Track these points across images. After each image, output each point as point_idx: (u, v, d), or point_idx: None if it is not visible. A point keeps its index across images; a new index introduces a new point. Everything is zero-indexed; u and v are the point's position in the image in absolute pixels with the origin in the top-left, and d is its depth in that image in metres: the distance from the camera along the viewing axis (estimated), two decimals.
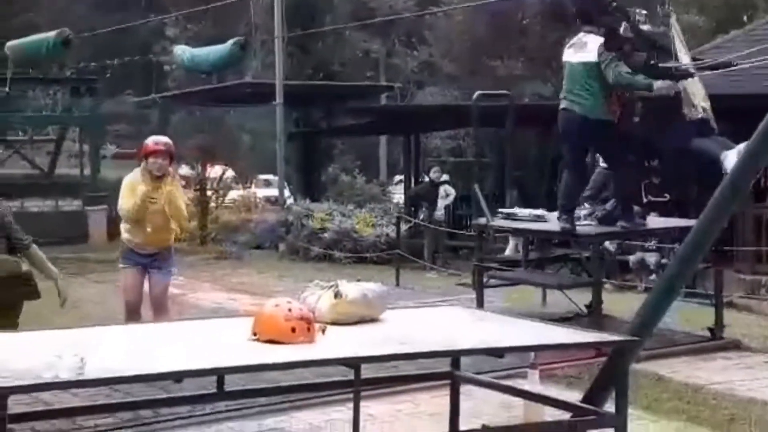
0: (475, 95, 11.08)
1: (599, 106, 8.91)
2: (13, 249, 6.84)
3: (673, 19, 9.23)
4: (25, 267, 6.85)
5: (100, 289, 14.22)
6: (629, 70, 8.73)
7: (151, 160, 7.90)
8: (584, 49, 8.95)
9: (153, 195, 7.91)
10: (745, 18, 25.40)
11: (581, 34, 9.11)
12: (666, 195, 16.12)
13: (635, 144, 9.50)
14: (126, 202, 7.99)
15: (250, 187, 29.77)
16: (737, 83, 15.25)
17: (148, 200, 7.88)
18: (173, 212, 7.98)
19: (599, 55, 8.79)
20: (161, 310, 8.07)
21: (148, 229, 7.96)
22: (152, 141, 8.06)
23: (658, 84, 8.81)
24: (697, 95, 9.17)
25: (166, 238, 8.15)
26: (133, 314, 8.03)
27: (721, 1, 25.89)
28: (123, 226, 8.21)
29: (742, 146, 8.79)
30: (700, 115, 9.15)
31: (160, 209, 7.90)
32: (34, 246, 6.98)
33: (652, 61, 9.04)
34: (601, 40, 8.85)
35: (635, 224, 9.33)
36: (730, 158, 8.74)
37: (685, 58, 9.17)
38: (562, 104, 9.14)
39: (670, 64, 9.09)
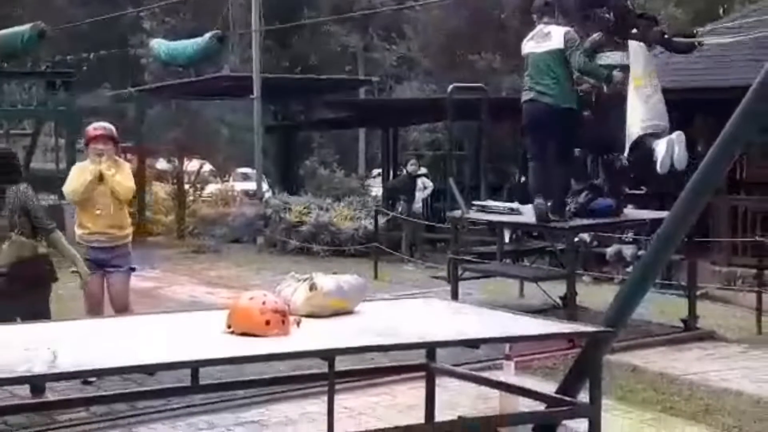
0: (449, 88, 11.08)
1: (566, 94, 9.10)
2: (37, 232, 7.00)
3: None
4: (43, 250, 7.02)
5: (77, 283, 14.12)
6: (589, 60, 9.03)
7: (92, 145, 7.92)
8: (548, 38, 9.14)
9: (99, 178, 7.83)
10: (721, 11, 25.56)
11: (541, 26, 9.30)
12: (642, 188, 16.20)
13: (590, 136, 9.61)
14: (72, 182, 7.91)
15: (228, 181, 29.71)
16: (722, 75, 15.35)
17: (94, 181, 7.79)
18: (115, 185, 7.82)
19: (566, 41, 8.97)
20: (123, 310, 7.82)
21: (97, 212, 7.81)
22: (92, 127, 8.09)
23: (615, 73, 9.11)
24: (633, 124, 9.24)
25: (120, 227, 7.97)
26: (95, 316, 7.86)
27: None
28: (76, 224, 8.10)
29: (674, 135, 8.95)
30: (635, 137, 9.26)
31: (106, 192, 7.80)
32: (57, 231, 7.11)
33: (666, 35, 9.40)
34: (564, 29, 9.05)
35: (565, 219, 9.29)
36: (660, 147, 8.89)
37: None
38: (528, 96, 9.22)
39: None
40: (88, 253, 7.78)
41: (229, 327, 4.80)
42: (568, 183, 9.43)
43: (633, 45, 9.23)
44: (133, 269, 8.18)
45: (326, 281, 5.30)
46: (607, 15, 9.30)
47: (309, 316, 5.11)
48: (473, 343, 5.26)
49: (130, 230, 8.15)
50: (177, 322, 5.29)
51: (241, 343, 4.60)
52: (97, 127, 8.05)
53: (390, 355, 6.93)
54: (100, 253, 7.87)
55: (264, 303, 4.80)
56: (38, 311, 6.66)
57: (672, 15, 24.79)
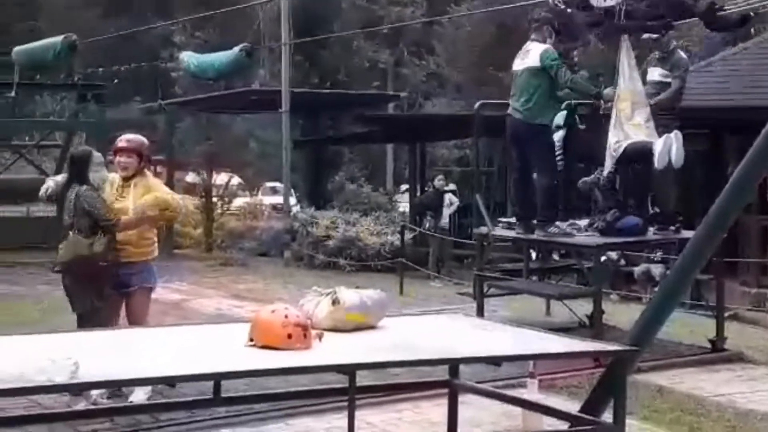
0: (477, 105, 11.07)
1: (540, 111, 9.23)
2: (96, 231, 7.16)
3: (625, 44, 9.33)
4: (99, 248, 7.12)
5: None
6: (578, 77, 9.20)
7: (117, 158, 7.56)
8: (527, 56, 9.29)
9: (120, 195, 7.51)
10: (752, 30, 25.31)
11: (527, 43, 9.39)
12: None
13: (579, 151, 9.63)
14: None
15: (256, 195, 29.83)
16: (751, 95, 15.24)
17: (116, 199, 7.47)
18: (160, 203, 7.49)
19: (542, 59, 9.09)
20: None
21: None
22: (119, 139, 7.70)
23: (606, 91, 9.28)
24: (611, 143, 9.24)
25: (136, 245, 7.55)
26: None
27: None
28: None
29: (672, 134, 8.91)
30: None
31: (125, 209, 7.44)
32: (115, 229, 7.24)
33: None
34: (544, 46, 9.20)
35: (550, 234, 9.33)
36: (657, 145, 8.87)
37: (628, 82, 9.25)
38: (509, 111, 9.44)
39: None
40: None
41: (251, 340, 4.79)
42: (552, 197, 9.45)
43: (622, 61, 9.23)
44: (151, 287, 7.74)
45: (349, 296, 5.28)
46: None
47: (331, 330, 5.09)
48: (496, 360, 5.22)
49: (151, 248, 7.69)
50: (200, 335, 5.28)
51: (263, 356, 4.59)
52: (123, 138, 7.69)
53: (414, 371, 6.90)
54: (119, 271, 7.47)
55: (286, 316, 4.79)
56: (94, 307, 7.08)
57: (703, 34, 24.57)
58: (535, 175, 9.48)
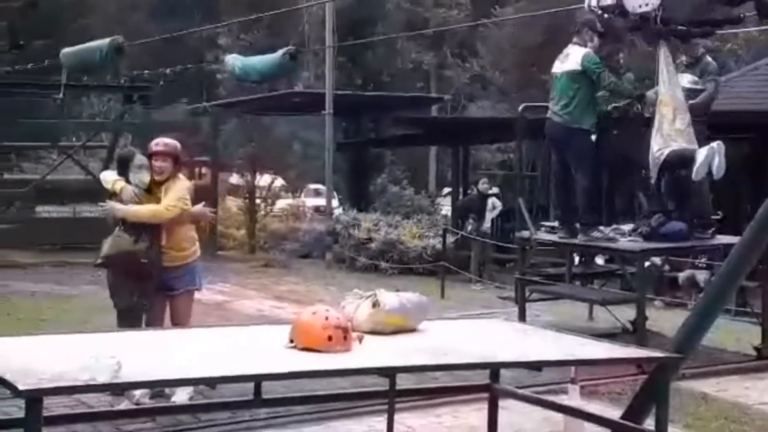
0: (520, 108, 11.02)
1: (580, 115, 9.19)
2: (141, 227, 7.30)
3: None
4: (142, 246, 7.25)
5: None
6: (619, 80, 9.18)
7: (153, 162, 7.49)
8: (567, 59, 9.27)
9: (153, 198, 7.48)
10: None
11: (568, 46, 9.37)
12: (719, 212, 15.87)
13: (613, 156, 9.54)
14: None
15: (299, 196, 29.94)
16: None
17: (146, 200, 7.46)
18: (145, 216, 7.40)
19: (583, 62, 9.07)
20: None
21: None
22: (154, 142, 7.64)
23: (649, 93, 9.24)
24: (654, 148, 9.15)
25: (177, 248, 7.56)
26: None
27: None
28: None
29: (714, 144, 8.82)
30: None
31: None
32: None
33: None
34: (584, 50, 9.16)
35: (593, 238, 9.28)
36: (700, 155, 8.80)
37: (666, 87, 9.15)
38: (548, 114, 9.41)
39: None
40: None
41: (291, 342, 4.81)
42: (593, 200, 9.39)
43: (661, 66, 9.14)
44: (195, 290, 7.77)
45: (389, 298, 5.28)
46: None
47: (371, 332, 5.10)
48: (536, 365, 5.19)
49: (192, 250, 7.69)
50: (241, 336, 5.31)
51: (303, 358, 4.60)
52: (158, 142, 7.60)
53: (453, 375, 6.88)
54: (161, 274, 7.50)
55: (326, 318, 4.80)
56: (135, 305, 7.22)
57: (751, 38, 24.30)
58: (576, 179, 9.42)
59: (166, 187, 7.50)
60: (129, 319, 7.17)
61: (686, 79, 9.55)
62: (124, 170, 7.48)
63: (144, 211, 7.39)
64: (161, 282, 7.50)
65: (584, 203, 9.34)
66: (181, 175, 7.82)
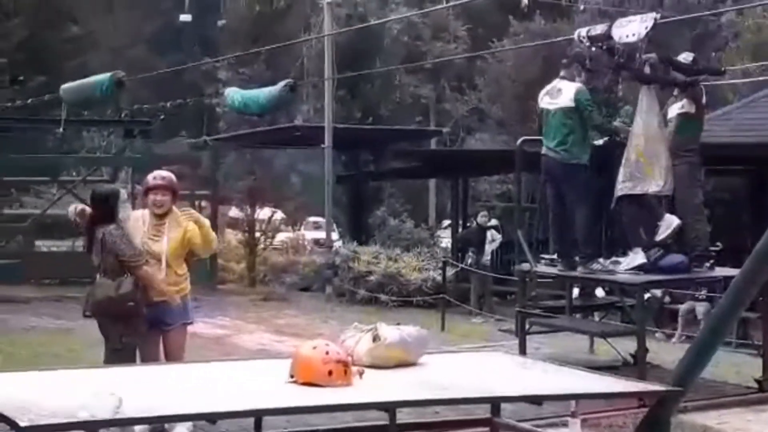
0: (519, 141, 11.07)
1: (575, 151, 9.20)
2: (124, 271, 7.12)
3: None
4: (126, 289, 7.05)
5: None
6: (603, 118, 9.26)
7: (151, 196, 7.42)
8: (560, 95, 9.26)
9: (155, 233, 7.42)
10: None
11: (556, 81, 9.44)
12: (718, 244, 15.88)
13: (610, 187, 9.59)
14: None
15: (299, 229, 29.94)
16: None
17: (149, 238, 7.39)
18: (204, 238, 7.44)
19: (576, 99, 9.08)
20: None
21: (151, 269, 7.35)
22: (152, 176, 7.57)
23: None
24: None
25: (174, 284, 7.45)
26: None
27: None
28: None
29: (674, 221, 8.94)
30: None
31: (160, 250, 7.35)
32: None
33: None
34: (576, 86, 9.18)
35: (594, 270, 9.28)
36: (665, 223, 8.88)
37: None
38: (543, 150, 9.42)
39: None
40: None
41: (292, 376, 4.81)
42: (592, 234, 9.42)
43: (641, 99, 9.23)
44: (188, 323, 7.65)
45: (390, 332, 5.28)
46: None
47: (372, 366, 5.09)
48: (536, 399, 5.18)
49: (186, 283, 7.59)
50: (241, 371, 5.31)
51: (303, 392, 4.60)
52: (157, 176, 7.53)
53: (455, 409, 6.85)
54: (154, 309, 7.37)
55: (327, 353, 4.80)
56: (124, 344, 7.04)
57: (748, 70, 24.44)
58: (574, 213, 9.44)
59: (168, 221, 7.44)
60: (120, 357, 7.03)
61: (676, 107, 9.58)
62: (106, 208, 7.24)
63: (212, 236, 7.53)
64: (154, 318, 7.38)
65: (583, 236, 9.35)
66: (174, 208, 7.68)
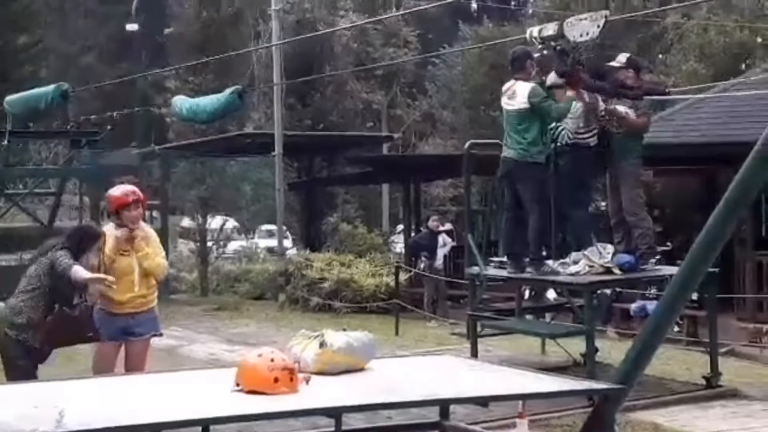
0: (466, 145, 11.14)
1: (532, 149, 9.27)
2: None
3: None
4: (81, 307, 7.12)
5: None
6: (558, 104, 9.24)
7: (125, 213, 7.38)
8: (515, 97, 9.32)
9: (125, 247, 7.43)
10: (743, 66, 25.53)
11: (511, 82, 9.48)
12: (668, 243, 16.11)
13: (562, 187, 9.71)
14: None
15: (252, 238, 29.84)
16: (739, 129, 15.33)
17: (120, 254, 7.41)
18: (151, 266, 7.48)
19: (530, 98, 9.15)
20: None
21: (123, 284, 7.36)
22: (121, 192, 7.47)
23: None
24: None
25: (143, 296, 7.51)
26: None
27: (720, 49, 26.04)
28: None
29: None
30: None
31: (131, 265, 7.40)
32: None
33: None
34: (529, 86, 9.24)
35: (543, 272, 9.37)
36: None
37: None
38: (503, 151, 9.49)
39: None
40: (108, 320, 7.44)
41: (237, 385, 4.77)
42: (544, 235, 9.48)
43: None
44: (157, 335, 7.72)
45: (336, 338, 5.26)
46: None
47: (319, 373, 5.07)
48: (482, 401, 5.20)
49: (155, 295, 7.69)
50: (186, 381, 5.26)
51: (249, 400, 4.57)
52: (127, 192, 7.46)
53: (406, 413, 6.86)
54: (123, 320, 7.44)
55: (272, 360, 4.77)
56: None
57: (693, 70, 24.83)
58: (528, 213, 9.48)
59: (136, 236, 7.43)
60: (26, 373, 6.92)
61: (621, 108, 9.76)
62: (83, 246, 7.15)
63: (164, 267, 7.57)
64: (122, 329, 7.43)
65: (534, 237, 9.40)
66: (141, 221, 7.71)
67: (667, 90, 10.51)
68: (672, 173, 18.34)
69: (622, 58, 10.10)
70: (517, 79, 9.38)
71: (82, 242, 7.21)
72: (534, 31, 9.67)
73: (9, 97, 16.79)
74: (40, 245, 7.45)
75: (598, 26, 9.04)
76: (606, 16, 9.27)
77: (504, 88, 9.57)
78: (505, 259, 10.06)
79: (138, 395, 4.77)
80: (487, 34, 30.48)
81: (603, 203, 16.99)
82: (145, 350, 7.62)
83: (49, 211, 20.65)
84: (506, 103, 9.45)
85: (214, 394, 4.73)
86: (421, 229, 20.85)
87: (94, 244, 7.20)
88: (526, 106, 9.21)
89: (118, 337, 7.46)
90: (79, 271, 6.91)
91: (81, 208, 21.56)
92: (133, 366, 7.48)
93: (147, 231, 7.64)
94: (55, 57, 36.36)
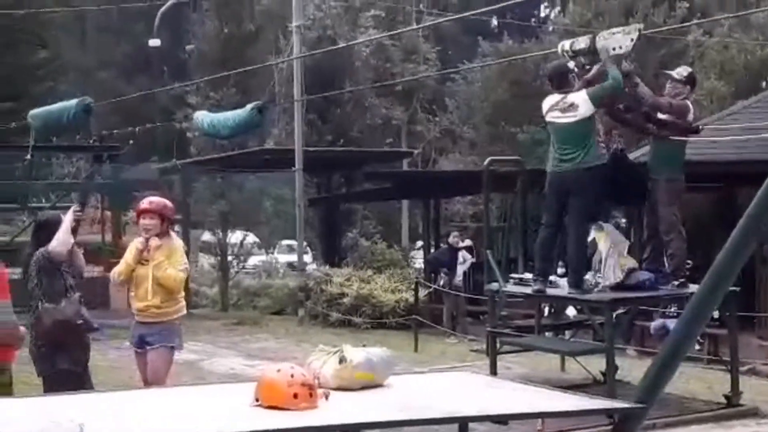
0: (486, 161, 11.13)
1: (591, 156, 9.17)
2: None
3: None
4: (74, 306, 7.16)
5: (119, 354, 14.19)
6: (606, 83, 9.09)
7: (141, 221, 7.71)
8: (573, 109, 9.15)
9: (144, 257, 7.66)
10: (764, 84, 25.43)
11: (558, 96, 9.33)
12: (689, 261, 15.98)
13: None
14: (119, 265, 7.88)
15: (272, 253, 29.92)
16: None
17: (139, 262, 7.65)
18: (161, 277, 7.61)
19: (592, 101, 9.07)
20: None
21: (140, 291, 7.66)
22: (143, 201, 7.88)
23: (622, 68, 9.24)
24: None
25: (160, 306, 7.68)
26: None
27: (740, 66, 25.94)
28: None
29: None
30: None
31: (147, 275, 7.61)
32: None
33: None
34: (582, 94, 9.12)
35: (583, 291, 9.27)
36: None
37: None
38: (554, 164, 9.33)
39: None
40: (133, 326, 7.82)
41: (257, 400, 4.78)
42: (584, 254, 9.38)
43: None
44: (174, 348, 7.83)
45: (356, 354, 5.26)
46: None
47: (338, 389, 5.07)
48: (502, 419, 5.18)
49: (176, 308, 7.80)
50: (206, 396, 5.27)
51: (268, 416, 4.57)
52: (146, 200, 7.83)
53: (423, 430, 6.84)
54: (142, 328, 7.72)
55: (292, 376, 4.77)
56: (58, 370, 7.05)
57: (714, 88, 24.73)
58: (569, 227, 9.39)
59: (158, 245, 7.59)
60: (56, 385, 6.98)
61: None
62: (46, 234, 7.26)
63: (174, 278, 7.59)
64: (141, 336, 7.64)
65: (576, 253, 9.24)
66: (173, 233, 7.92)
67: (700, 128, 10.23)
68: (692, 190, 18.23)
69: (683, 71, 9.93)
70: (565, 92, 9.25)
71: (45, 230, 7.35)
72: (566, 44, 9.62)
73: (32, 111, 16.93)
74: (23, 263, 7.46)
75: (632, 39, 8.97)
76: (640, 29, 9.19)
77: (550, 103, 9.36)
78: (527, 275, 10.02)
79: (157, 409, 4.78)
80: (507, 51, 30.50)
81: (623, 219, 16.96)
82: (157, 361, 7.71)
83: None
84: (559, 117, 9.23)
85: (233, 408, 4.74)
86: (441, 245, 20.84)
87: (57, 226, 7.27)
88: (591, 111, 9.08)
89: (136, 343, 7.76)
90: (59, 237, 7.08)
91: (102, 222, 21.66)
92: (151, 376, 7.65)
93: (170, 242, 7.78)
94: (74, 72, 36.59)
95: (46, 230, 7.33)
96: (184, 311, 7.98)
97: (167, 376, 7.80)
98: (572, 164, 9.13)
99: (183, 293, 7.97)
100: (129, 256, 7.75)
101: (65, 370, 7.12)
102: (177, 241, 7.96)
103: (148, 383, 7.73)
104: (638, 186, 9.66)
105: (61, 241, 7.11)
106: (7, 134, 20.28)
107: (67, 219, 7.26)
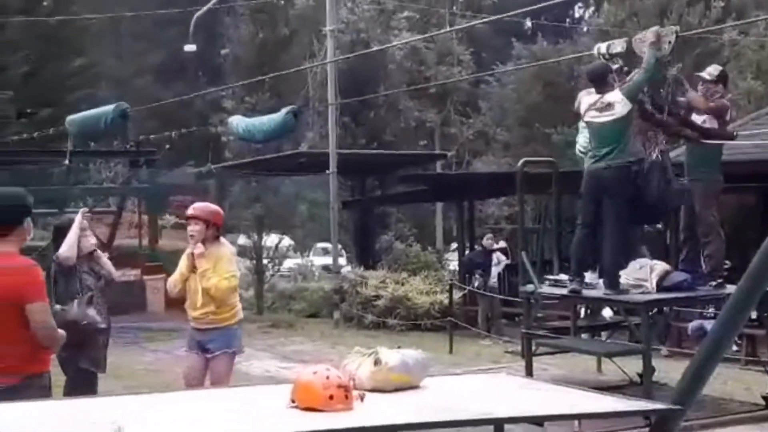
0: (520, 162, 11.11)
1: (627, 153, 9.16)
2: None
3: None
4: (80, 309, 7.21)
5: (155, 357, 14.36)
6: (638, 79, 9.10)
7: (187, 228, 7.76)
8: (611, 108, 9.12)
9: (193, 263, 7.71)
10: None
11: (595, 96, 9.30)
12: (727, 261, 15.85)
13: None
14: (174, 274, 7.94)
15: (307, 255, 30.00)
16: None
17: (191, 270, 7.71)
18: (206, 287, 7.64)
19: (629, 96, 9.04)
20: None
21: (193, 298, 7.74)
22: (191, 207, 7.91)
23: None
24: None
25: (215, 312, 7.73)
26: None
27: None
28: None
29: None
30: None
31: (197, 284, 7.66)
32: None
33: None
34: (617, 93, 9.08)
35: (619, 291, 9.20)
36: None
37: None
38: (591, 162, 9.30)
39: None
40: (189, 331, 7.93)
41: (293, 401, 4.81)
42: (620, 254, 9.31)
43: None
44: (235, 352, 7.92)
45: (391, 356, 5.27)
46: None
47: (373, 390, 5.09)
48: (538, 420, 5.17)
49: (232, 312, 7.85)
50: (242, 397, 5.31)
51: (304, 418, 4.60)
52: (193, 207, 7.86)
53: None
54: (198, 334, 7.80)
55: (327, 378, 4.80)
56: (81, 370, 7.13)
57: (751, 88, 24.52)
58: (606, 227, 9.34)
59: (206, 253, 7.62)
60: (79, 385, 7.05)
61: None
62: (63, 239, 7.31)
63: (217, 287, 7.60)
64: (198, 343, 7.71)
65: (613, 254, 9.21)
66: (223, 240, 7.92)
67: (735, 134, 10.15)
68: (728, 191, 18.06)
69: (713, 70, 9.84)
70: (602, 92, 9.22)
71: (62, 234, 7.38)
72: (602, 47, 9.62)
73: (70, 117, 17.14)
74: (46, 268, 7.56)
75: (669, 42, 8.94)
76: (676, 32, 9.17)
77: (587, 103, 9.36)
78: (562, 276, 9.99)
79: (194, 411, 4.83)
80: (541, 53, 30.42)
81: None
82: (222, 366, 7.80)
83: (109, 230, 20.95)
84: (597, 116, 9.22)
85: (270, 410, 4.77)
86: (475, 246, 20.81)
87: (68, 229, 7.34)
88: (628, 108, 9.05)
89: (194, 348, 7.83)
90: (66, 241, 7.15)
91: (140, 226, 21.87)
92: (215, 381, 7.72)
93: (217, 249, 7.76)
94: (111, 79, 36.96)
95: (63, 235, 7.39)
96: (241, 315, 8.05)
97: (230, 380, 7.87)
98: (609, 162, 9.11)
99: (237, 298, 8.00)
100: (182, 264, 7.82)
101: (84, 370, 7.23)
102: (225, 248, 7.89)
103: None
104: (661, 204, 9.54)
105: (68, 245, 7.19)
106: (46, 140, 20.50)
107: (75, 223, 7.33)
